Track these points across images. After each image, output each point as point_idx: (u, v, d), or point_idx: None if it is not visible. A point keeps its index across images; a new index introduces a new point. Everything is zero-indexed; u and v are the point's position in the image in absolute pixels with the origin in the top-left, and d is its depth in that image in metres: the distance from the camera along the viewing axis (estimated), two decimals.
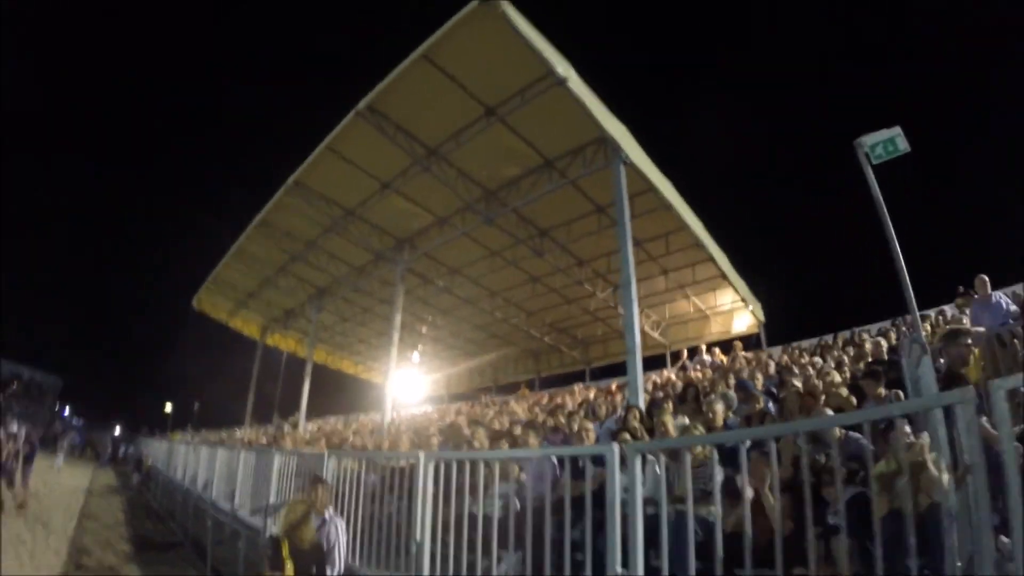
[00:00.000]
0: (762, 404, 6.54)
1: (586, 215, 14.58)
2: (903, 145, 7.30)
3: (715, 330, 19.17)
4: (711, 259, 15.83)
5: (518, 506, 4.57)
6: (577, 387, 16.40)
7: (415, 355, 24.76)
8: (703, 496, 3.62)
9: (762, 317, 18.46)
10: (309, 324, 20.74)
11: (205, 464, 11.46)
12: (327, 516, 5.17)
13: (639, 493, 3.24)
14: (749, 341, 17.41)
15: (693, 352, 16.61)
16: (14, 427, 11.12)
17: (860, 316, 14.90)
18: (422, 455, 4.78)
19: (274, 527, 6.41)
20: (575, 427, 7.07)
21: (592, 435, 6.47)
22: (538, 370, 24.00)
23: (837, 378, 7.21)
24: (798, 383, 6.65)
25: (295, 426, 19.37)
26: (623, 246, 11.08)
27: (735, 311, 18.85)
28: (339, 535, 5.21)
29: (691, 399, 7.80)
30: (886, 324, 13.02)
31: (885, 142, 7.50)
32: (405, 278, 15.69)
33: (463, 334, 21.83)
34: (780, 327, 19.06)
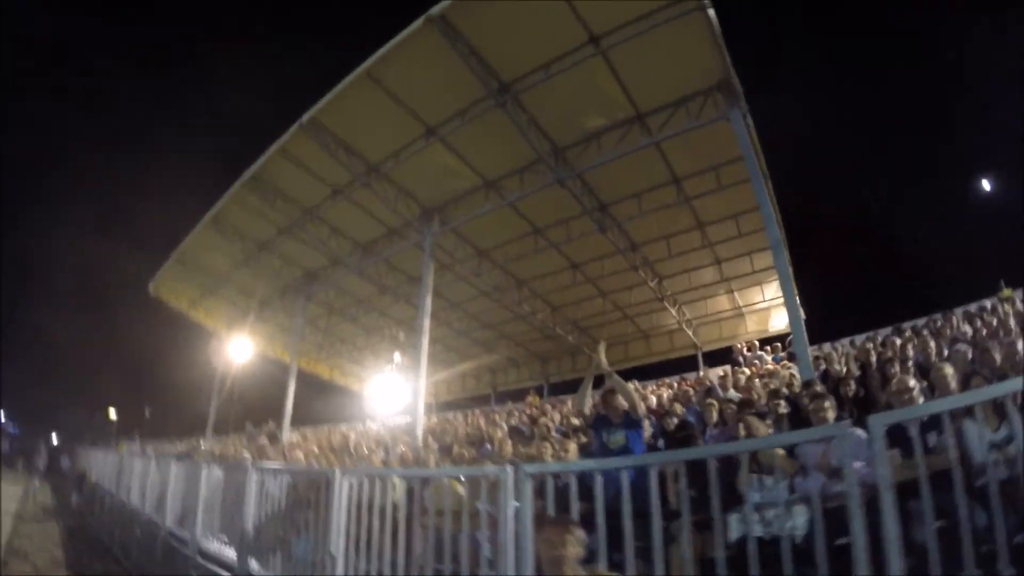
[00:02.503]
0: None
1: (658, 187, 12.55)
2: None
3: (751, 329, 17.64)
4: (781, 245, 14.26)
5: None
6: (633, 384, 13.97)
7: (396, 356, 21.60)
8: None
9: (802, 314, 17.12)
10: (289, 318, 17.25)
11: (178, 486, 8.14)
12: None
13: None
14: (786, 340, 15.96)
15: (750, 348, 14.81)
16: None
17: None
18: None
19: None
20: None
21: None
22: (546, 375, 21.54)
23: None
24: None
25: (272, 437, 15.84)
26: (764, 205, 9.21)
27: (772, 308, 17.43)
28: None
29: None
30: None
31: None
32: (432, 255, 12.84)
33: (470, 333, 19.00)
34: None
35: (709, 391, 9.36)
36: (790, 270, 8.49)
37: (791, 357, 12.81)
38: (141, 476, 10.18)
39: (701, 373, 16.30)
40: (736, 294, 16.89)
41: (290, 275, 15.80)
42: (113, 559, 9.76)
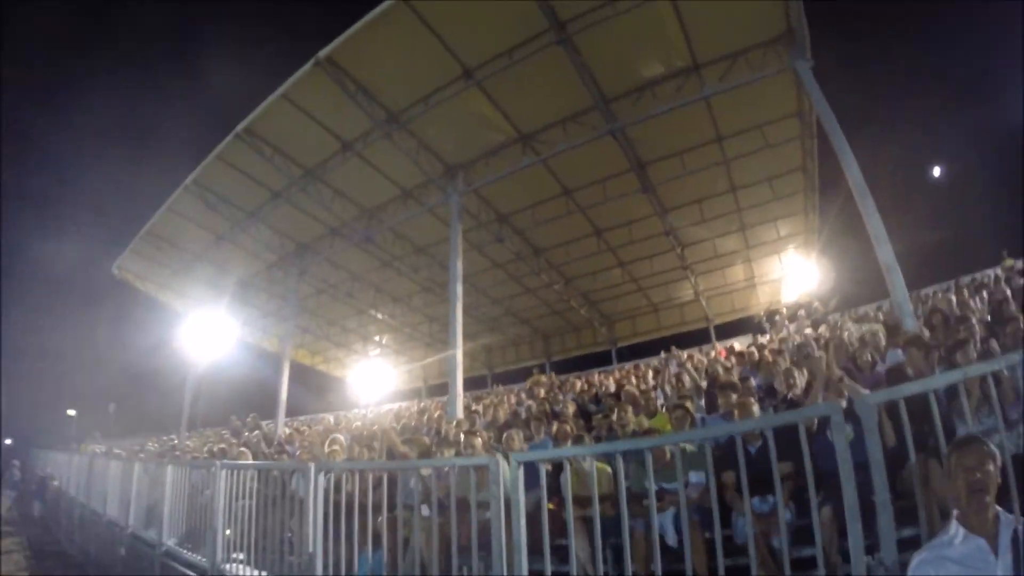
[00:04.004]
0: None
1: (700, 146, 11.73)
2: None
3: (763, 300, 17.19)
4: (810, 211, 13.80)
5: None
6: (664, 356, 12.91)
7: (379, 339, 20.04)
8: None
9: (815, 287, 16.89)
10: (272, 299, 15.49)
11: (178, 494, 6.40)
12: None
13: None
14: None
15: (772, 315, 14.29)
16: None
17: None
18: None
19: None
20: None
21: None
22: (549, 354, 20.49)
23: None
24: None
25: (253, 428, 14.08)
26: (844, 154, 8.50)
27: (782, 279, 17.08)
28: None
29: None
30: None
31: None
32: (459, 216, 11.45)
33: (475, 309, 17.58)
34: None
35: (800, 347, 8.63)
36: (879, 218, 7.95)
37: (815, 325, 12.42)
38: (120, 482, 8.33)
39: (716, 345, 15.77)
40: (753, 264, 16.42)
41: (282, 248, 13.92)
42: None
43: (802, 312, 13.42)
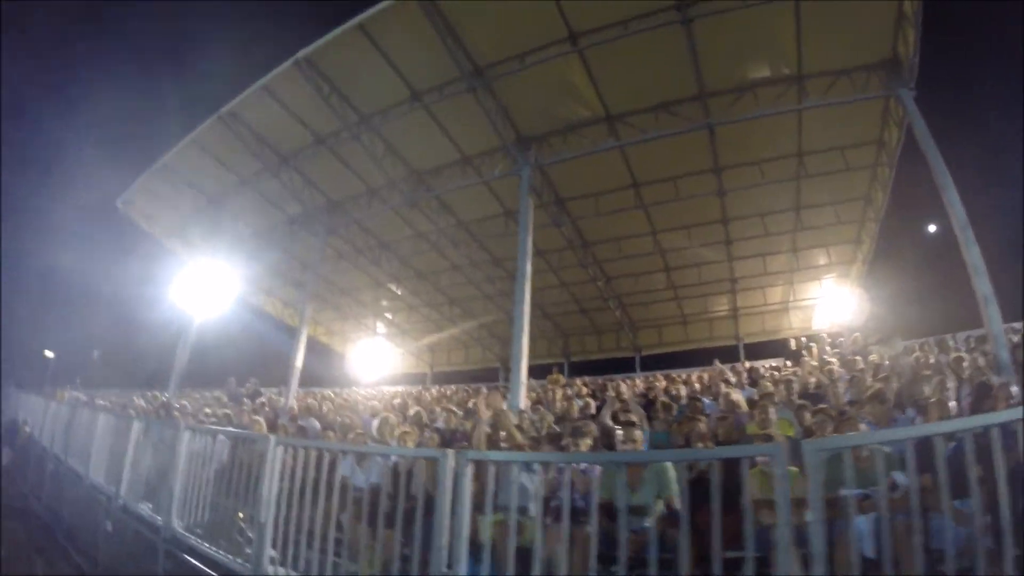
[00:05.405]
0: None
1: (780, 158, 11.18)
2: None
3: (795, 325, 16.75)
4: (864, 239, 13.36)
5: None
6: (716, 365, 12.26)
7: (390, 316, 18.93)
8: None
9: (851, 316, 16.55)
10: (286, 256, 14.27)
11: (191, 469, 5.10)
12: None
13: None
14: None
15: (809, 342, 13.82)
16: None
17: None
18: None
19: None
20: None
21: None
22: (567, 353, 19.57)
23: None
24: None
25: (254, 394, 12.90)
26: (947, 189, 7.91)
27: (815, 306, 16.67)
28: None
29: None
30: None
31: None
32: (529, 190, 10.44)
33: (502, 295, 16.50)
34: None
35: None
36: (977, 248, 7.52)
37: (861, 354, 12.00)
38: (111, 441, 6.96)
39: (747, 364, 15.23)
40: (794, 287, 15.91)
41: (311, 202, 12.63)
42: (63, 553, 6.70)
43: (842, 340, 13.02)
